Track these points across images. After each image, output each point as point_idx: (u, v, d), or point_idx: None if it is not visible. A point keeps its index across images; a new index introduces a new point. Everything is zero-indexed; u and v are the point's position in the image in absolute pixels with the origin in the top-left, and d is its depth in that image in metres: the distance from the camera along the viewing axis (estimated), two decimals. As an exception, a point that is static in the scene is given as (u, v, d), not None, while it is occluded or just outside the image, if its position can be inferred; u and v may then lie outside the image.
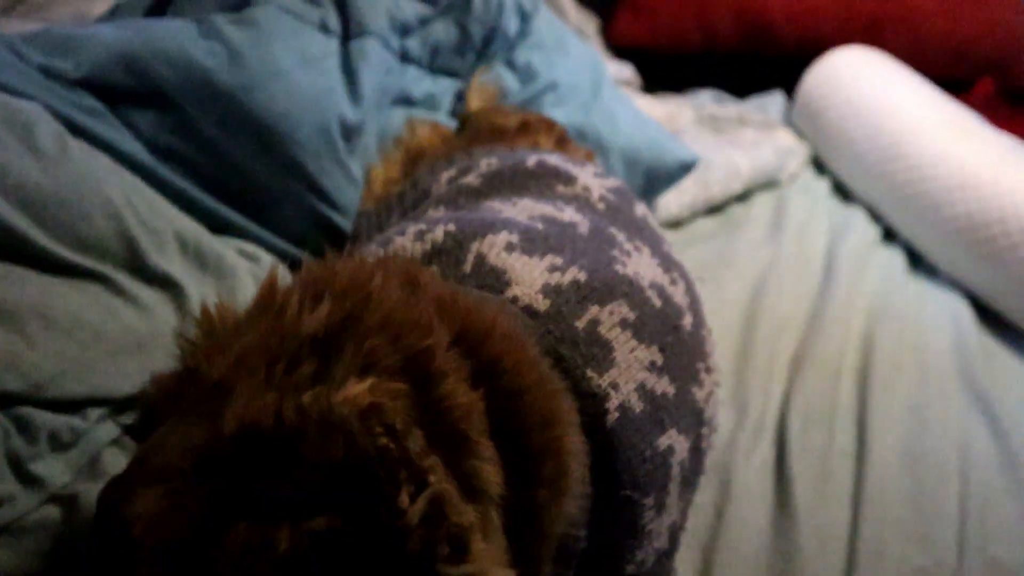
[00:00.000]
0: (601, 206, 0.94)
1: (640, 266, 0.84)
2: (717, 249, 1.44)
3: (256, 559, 0.51)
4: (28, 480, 0.76)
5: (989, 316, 1.45)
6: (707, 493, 0.98)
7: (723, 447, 1.05)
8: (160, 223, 0.94)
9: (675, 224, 1.50)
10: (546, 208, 0.88)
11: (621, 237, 0.88)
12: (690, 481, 0.79)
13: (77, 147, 0.92)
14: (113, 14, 1.24)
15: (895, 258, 1.55)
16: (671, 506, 0.75)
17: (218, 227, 1.04)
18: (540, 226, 0.84)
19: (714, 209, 1.57)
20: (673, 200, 1.48)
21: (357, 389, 0.56)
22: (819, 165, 1.77)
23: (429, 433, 0.58)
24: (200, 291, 0.90)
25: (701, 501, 0.97)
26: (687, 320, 0.85)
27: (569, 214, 0.88)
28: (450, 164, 1.07)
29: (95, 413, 0.82)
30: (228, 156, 1.05)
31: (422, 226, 0.83)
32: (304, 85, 1.08)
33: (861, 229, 1.59)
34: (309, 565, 0.52)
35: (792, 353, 1.24)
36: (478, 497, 0.60)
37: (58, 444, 0.77)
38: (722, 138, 1.69)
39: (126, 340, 0.83)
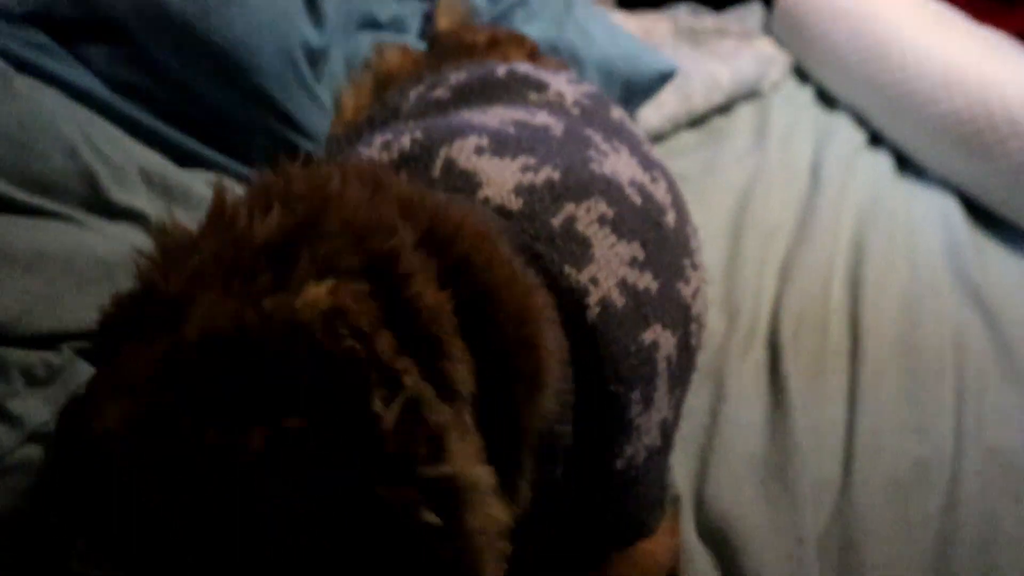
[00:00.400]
0: (576, 111, 0.92)
1: (618, 165, 0.82)
2: (701, 161, 1.42)
3: (230, 462, 0.50)
4: (6, 419, 0.74)
5: (979, 212, 1.43)
6: (701, 397, 0.97)
7: (715, 351, 1.03)
8: (122, 158, 0.91)
9: (657, 138, 1.48)
10: (518, 113, 0.86)
11: (597, 138, 0.85)
12: (679, 378, 0.77)
13: (25, 84, 0.89)
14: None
15: (882, 161, 1.52)
16: (659, 402, 0.73)
17: (185, 159, 1.01)
18: (512, 130, 0.81)
19: (696, 122, 1.54)
20: (653, 114, 1.45)
21: (317, 291, 0.53)
22: (802, 73, 1.74)
23: (398, 335, 0.56)
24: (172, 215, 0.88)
25: (695, 405, 0.95)
26: (670, 217, 0.82)
27: (542, 118, 0.85)
28: (419, 82, 1.03)
29: (70, 348, 0.79)
30: (188, 86, 1.02)
31: (388, 136, 0.80)
32: (262, 8, 1.04)
33: (847, 135, 1.56)
34: (284, 465, 0.50)
35: (782, 259, 1.22)
36: (451, 397, 0.58)
37: (34, 381, 0.75)
38: (701, 50, 1.66)
39: (94, 271, 0.80)
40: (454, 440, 0.54)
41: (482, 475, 0.54)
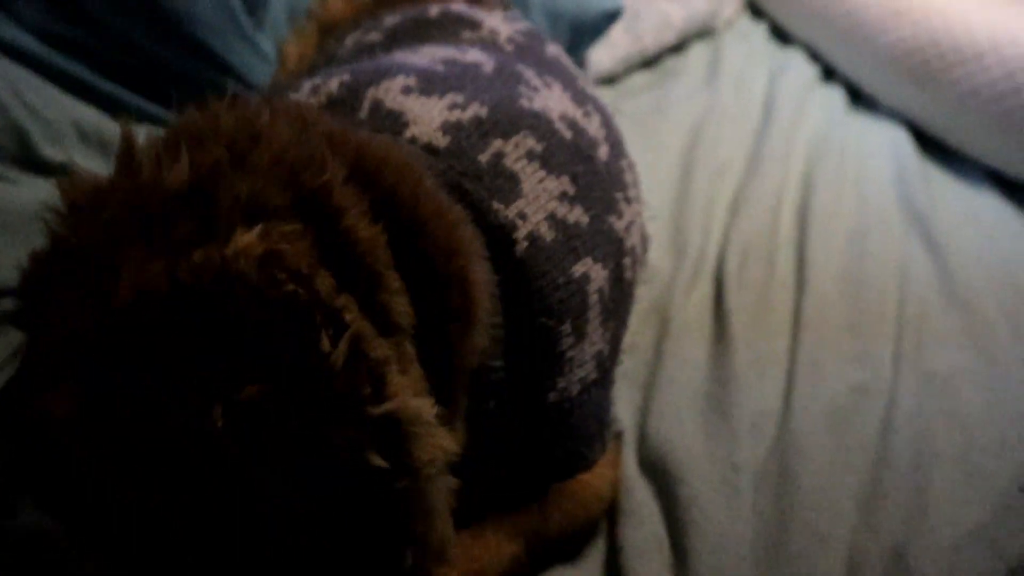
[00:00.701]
0: (509, 47, 0.92)
1: (549, 100, 0.82)
2: (652, 100, 1.42)
3: (195, 442, 0.50)
4: None
5: (929, 143, 1.43)
6: (646, 333, 0.98)
7: (662, 288, 1.04)
8: (54, 113, 0.91)
9: (610, 80, 1.47)
10: (448, 52, 0.85)
11: (530, 74, 0.85)
12: (613, 311, 0.78)
13: None
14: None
15: (835, 96, 1.52)
16: (592, 334, 0.74)
17: (129, 114, 1.00)
18: (440, 68, 0.81)
19: (649, 62, 1.54)
20: (605, 55, 1.44)
21: (248, 238, 0.53)
22: (756, 9, 1.73)
23: (335, 272, 0.56)
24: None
25: (640, 341, 0.97)
26: (602, 151, 0.82)
27: (473, 55, 0.85)
28: (357, 27, 1.03)
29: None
30: (124, 38, 1.01)
31: (317, 80, 0.80)
32: (196, -43, 1.03)
33: (800, 70, 1.56)
34: (247, 434, 0.50)
35: (731, 195, 1.23)
36: (392, 330, 0.58)
37: None
38: (653, -11, 1.64)
39: (25, 228, 0.80)
40: (395, 374, 0.54)
41: (424, 407, 0.55)
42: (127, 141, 0.59)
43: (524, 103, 0.79)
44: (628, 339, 0.91)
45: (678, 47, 1.58)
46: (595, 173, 0.79)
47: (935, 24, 1.38)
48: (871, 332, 1.01)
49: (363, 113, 0.75)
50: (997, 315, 1.05)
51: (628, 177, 0.87)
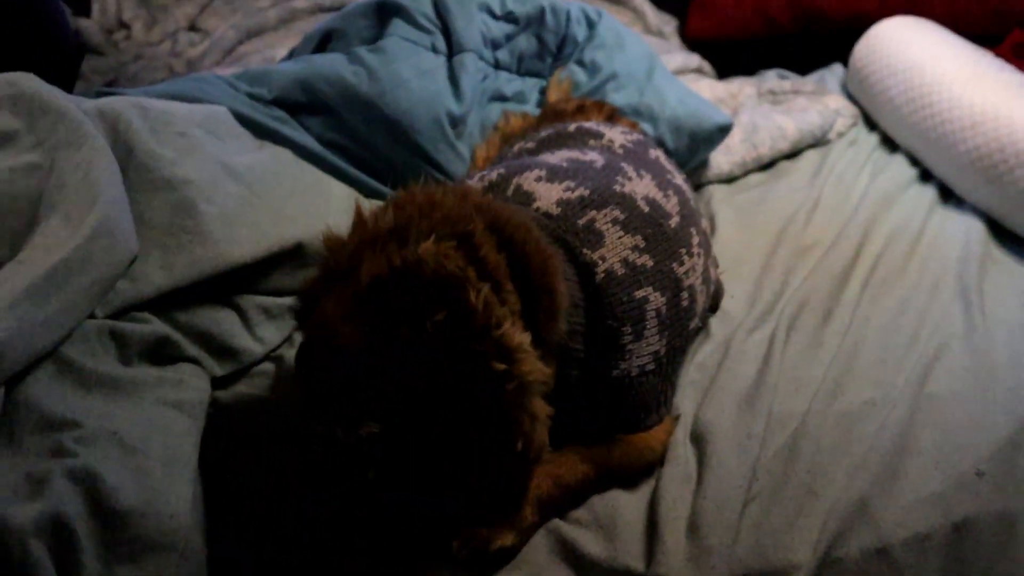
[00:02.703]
0: (620, 151, 1.34)
1: (637, 186, 1.22)
2: (760, 194, 1.78)
3: (401, 344, 0.91)
4: (257, 339, 1.24)
5: (1006, 234, 1.70)
6: (713, 357, 1.33)
7: (733, 327, 1.39)
8: (332, 190, 1.43)
9: (729, 179, 1.85)
10: (574, 153, 1.29)
11: (629, 169, 1.26)
12: (670, 325, 1.16)
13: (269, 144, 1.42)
14: (290, 56, 1.74)
15: (926, 193, 1.82)
16: (650, 336, 1.13)
17: (368, 193, 1.50)
18: (565, 164, 1.24)
19: (765, 166, 1.90)
20: (724, 160, 1.83)
21: (428, 244, 0.96)
22: (871, 123, 2.06)
23: (476, 274, 0.98)
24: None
25: (708, 363, 1.33)
26: (673, 220, 1.22)
27: (591, 156, 1.28)
28: (523, 139, 1.49)
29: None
30: (371, 144, 1.52)
31: (484, 173, 1.25)
32: (420, 90, 1.53)
33: (898, 171, 1.88)
34: (433, 342, 0.91)
35: (809, 268, 1.56)
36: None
37: (269, 315, 1.24)
38: (777, 108, 2.01)
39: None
40: (508, 321, 0.95)
41: (525, 339, 0.94)
42: (359, 210, 1.04)
43: (617, 188, 1.20)
44: (698, 359, 1.30)
45: (792, 154, 1.92)
46: (663, 234, 1.19)
47: (1002, 133, 1.68)
48: (893, 366, 1.32)
49: (509, 193, 1.19)
50: (1004, 363, 1.33)
51: (695, 239, 1.25)
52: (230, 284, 1.24)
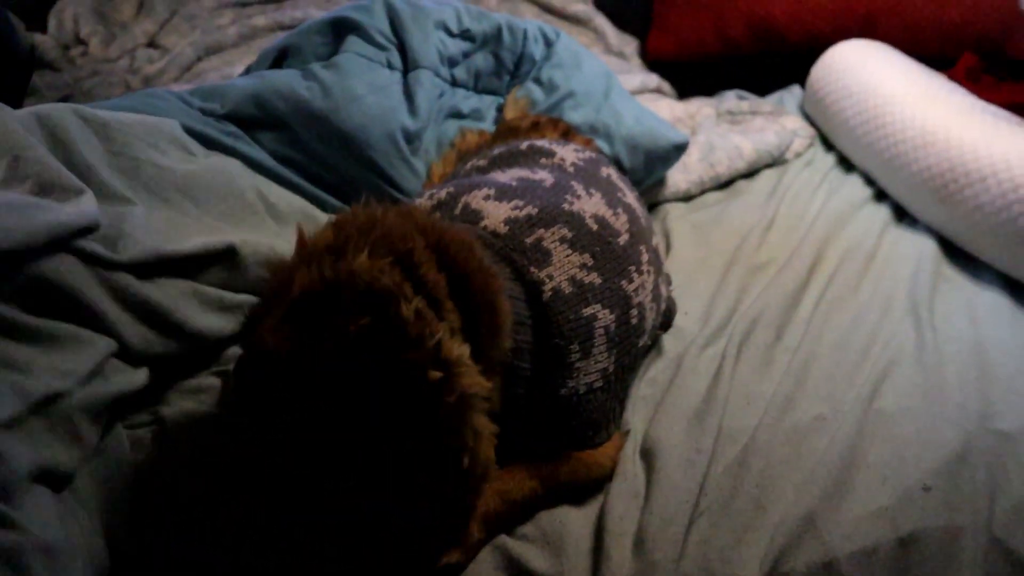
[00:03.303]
0: (571, 169, 1.34)
1: (586, 204, 1.22)
2: (716, 212, 1.79)
3: (328, 353, 0.90)
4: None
5: (958, 252, 1.72)
6: (665, 373, 1.33)
7: (685, 344, 1.39)
8: (277, 200, 1.41)
9: (687, 198, 1.86)
10: (524, 172, 1.29)
11: (579, 187, 1.26)
12: (619, 343, 1.16)
13: (214, 156, 1.41)
14: (246, 73, 1.73)
15: (880, 212, 1.84)
16: (598, 354, 1.13)
17: (322, 207, 1.49)
18: (514, 183, 1.24)
19: (723, 185, 1.91)
20: (681, 178, 1.84)
21: (361, 258, 0.94)
22: (828, 143, 2.08)
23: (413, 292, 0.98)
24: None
25: (659, 379, 1.32)
26: (622, 238, 1.22)
27: (541, 175, 1.28)
28: (477, 155, 1.49)
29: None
30: (325, 159, 1.51)
31: (434, 191, 1.25)
32: (374, 106, 1.53)
33: (853, 191, 1.89)
34: (360, 354, 0.90)
35: (763, 285, 1.57)
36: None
37: (209, 307, 1.24)
38: (735, 128, 2.03)
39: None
40: (445, 332, 0.94)
41: (464, 351, 0.93)
42: (300, 233, 1.02)
43: (566, 206, 1.20)
44: (649, 375, 1.30)
45: (749, 174, 1.94)
46: (611, 252, 1.19)
47: (952, 153, 1.70)
48: (843, 382, 1.33)
49: (457, 211, 1.18)
50: (953, 378, 1.33)
51: (644, 257, 1.25)
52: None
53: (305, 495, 0.96)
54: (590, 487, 1.15)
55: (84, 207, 1.13)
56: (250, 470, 1.01)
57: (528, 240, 1.13)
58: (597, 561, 1.05)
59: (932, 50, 2.11)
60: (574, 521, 1.10)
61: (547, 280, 1.11)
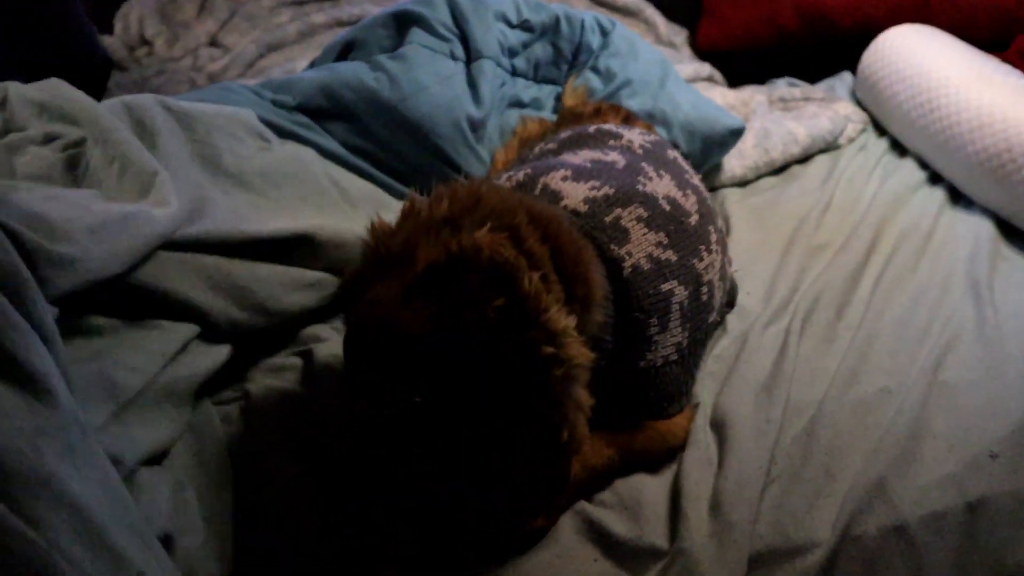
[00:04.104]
0: (640, 151, 1.37)
1: (658, 186, 1.26)
2: (772, 196, 1.82)
3: (456, 328, 0.93)
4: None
5: (1015, 232, 1.73)
6: (731, 350, 1.37)
7: (749, 322, 1.42)
8: (349, 186, 1.46)
9: (742, 183, 1.89)
10: (595, 154, 1.33)
11: (649, 169, 1.30)
12: (691, 317, 1.19)
13: (288, 144, 1.46)
14: (311, 67, 1.79)
15: (936, 195, 1.86)
16: (674, 329, 1.16)
17: (390, 193, 1.55)
18: (588, 164, 1.28)
19: (778, 170, 1.94)
20: (737, 164, 1.87)
21: (481, 232, 0.98)
22: (880, 128, 2.10)
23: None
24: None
25: (726, 355, 1.36)
26: (693, 219, 1.26)
27: (612, 156, 1.32)
28: (542, 140, 1.53)
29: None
30: (392, 147, 1.56)
31: (511, 173, 1.30)
32: (440, 95, 1.58)
33: (907, 174, 1.91)
34: (485, 327, 0.93)
35: (821, 266, 1.60)
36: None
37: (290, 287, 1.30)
38: (788, 115, 2.06)
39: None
40: (555, 308, 0.97)
41: (570, 323, 0.97)
42: (412, 199, 1.08)
43: (639, 187, 1.24)
44: (715, 352, 1.33)
45: (803, 159, 1.97)
46: (684, 231, 1.23)
47: (1010, 133, 1.71)
48: (906, 356, 1.35)
49: (536, 191, 1.23)
50: (1016, 352, 1.35)
51: (713, 237, 1.29)
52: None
53: (406, 465, 1.00)
54: (664, 456, 1.18)
55: (173, 209, 1.16)
56: (345, 447, 1.05)
57: (607, 219, 1.17)
58: (675, 523, 1.09)
59: (984, 33, 2.12)
60: (650, 487, 1.14)
61: (627, 257, 1.15)
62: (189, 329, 1.18)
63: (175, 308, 1.16)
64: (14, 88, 1.23)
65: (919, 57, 2.00)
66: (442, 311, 0.94)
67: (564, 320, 0.97)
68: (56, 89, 1.26)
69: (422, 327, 0.94)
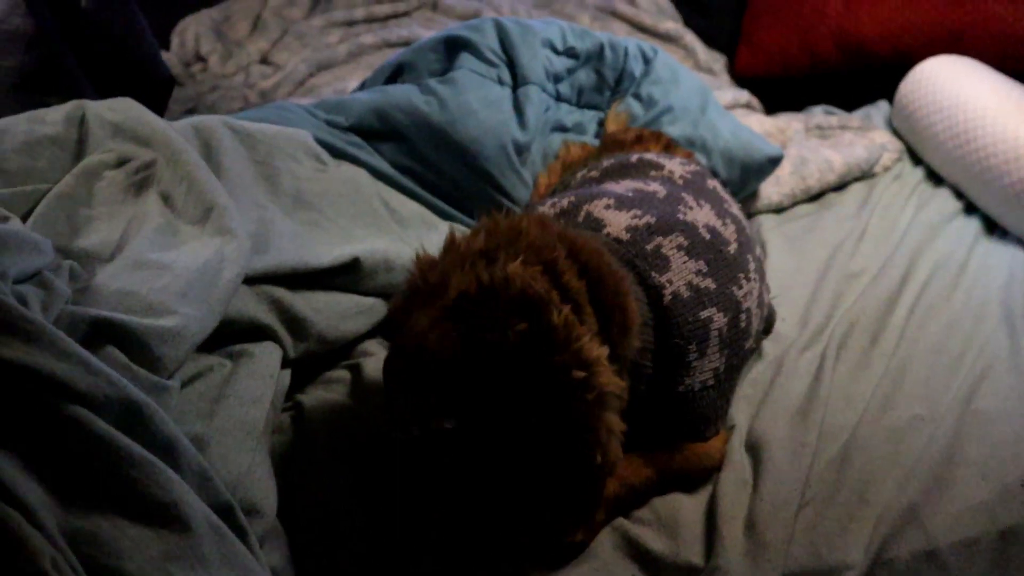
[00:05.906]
0: (680, 181, 1.42)
1: (698, 215, 1.31)
2: (808, 223, 1.85)
3: (484, 350, 0.99)
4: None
5: (1050, 265, 1.76)
6: (767, 374, 1.40)
7: (784, 347, 1.46)
8: (399, 207, 1.52)
9: (778, 210, 1.93)
10: (637, 184, 1.37)
11: (689, 199, 1.34)
12: (729, 344, 1.23)
13: (343, 165, 1.52)
14: (363, 87, 1.85)
15: (971, 225, 1.88)
16: (712, 354, 1.21)
17: (438, 214, 1.60)
18: (630, 194, 1.33)
19: (814, 197, 1.97)
20: (774, 191, 1.91)
21: (515, 265, 1.03)
22: (916, 158, 2.12)
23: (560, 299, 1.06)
24: (428, 240, 1.39)
25: (761, 379, 1.40)
26: (732, 247, 1.30)
27: (654, 186, 1.36)
28: (584, 167, 1.58)
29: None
30: (441, 168, 1.62)
31: (555, 199, 1.35)
32: (488, 119, 1.63)
33: (943, 204, 1.94)
34: (514, 351, 0.98)
35: (856, 294, 1.63)
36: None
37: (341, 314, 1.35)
38: (825, 142, 2.09)
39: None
40: (587, 337, 1.03)
41: (603, 352, 1.02)
42: (451, 234, 1.13)
43: (680, 216, 1.28)
44: (751, 376, 1.37)
45: (839, 187, 2.00)
46: (723, 259, 1.27)
47: (1046, 166, 1.75)
48: (940, 384, 1.38)
49: (580, 219, 1.28)
50: (1050, 385, 1.39)
51: (751, 265, 1.33)
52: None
53: (449, 490, 1.05)
54: (701, 476, 1.23)
55: (241, 242, 1.19)
56: (400, 468, 1.10)
57: (648, 247, 1.22)
58: (710, 541, 1.13)
59: (1022, 65, 2.14)
60: (686, 507, 1.18)
61: (667, 284, 1.19)
62: (274, 347, 1.24)
63: (256, 335, 1.22)
64: (91, 108, 1.30)
65: (956, 88, 2.03)
66: (466, 335, 0.99)
67: (597, 350, 1.02)
68: (129, 110, 1.32)
69: (448, 352, 1.00)
